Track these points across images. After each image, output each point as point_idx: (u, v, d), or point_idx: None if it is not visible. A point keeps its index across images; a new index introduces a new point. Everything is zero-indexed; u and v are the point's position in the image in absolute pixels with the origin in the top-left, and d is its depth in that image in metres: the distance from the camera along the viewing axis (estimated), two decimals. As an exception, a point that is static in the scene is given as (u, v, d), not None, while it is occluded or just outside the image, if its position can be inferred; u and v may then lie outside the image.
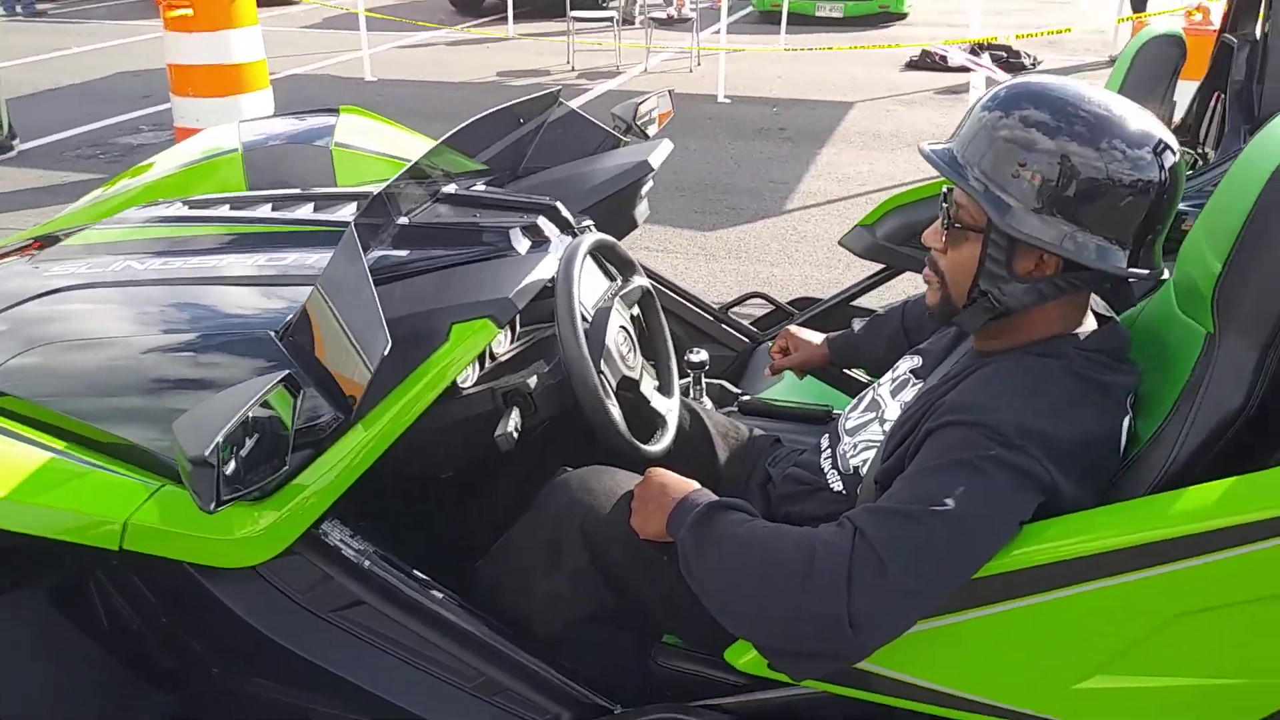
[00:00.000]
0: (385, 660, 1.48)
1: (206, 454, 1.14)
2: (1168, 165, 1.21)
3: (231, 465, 1.22)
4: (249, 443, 1.27)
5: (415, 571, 1.51)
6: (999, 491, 1.13)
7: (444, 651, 1.48)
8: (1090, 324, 1.33)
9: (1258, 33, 2.74)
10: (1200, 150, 2.88)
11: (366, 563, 1.46)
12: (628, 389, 1.58)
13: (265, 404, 1.27)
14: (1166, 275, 1.43)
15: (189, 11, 5.33)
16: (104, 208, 2.44)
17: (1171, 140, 1.22)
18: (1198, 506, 1.11)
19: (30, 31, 10.55)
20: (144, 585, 1.54)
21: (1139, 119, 1.21)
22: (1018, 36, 8.62)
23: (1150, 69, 2.31)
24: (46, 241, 2.12)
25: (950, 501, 1.12)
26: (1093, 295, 1.36)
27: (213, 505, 1.17)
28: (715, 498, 1.31)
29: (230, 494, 1.20)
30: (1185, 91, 2.72)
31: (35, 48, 9.91)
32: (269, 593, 1.45)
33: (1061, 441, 1.17)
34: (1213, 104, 2.94)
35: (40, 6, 8.75)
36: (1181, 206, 2.06)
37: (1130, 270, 1.22)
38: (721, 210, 5.33)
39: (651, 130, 2.55)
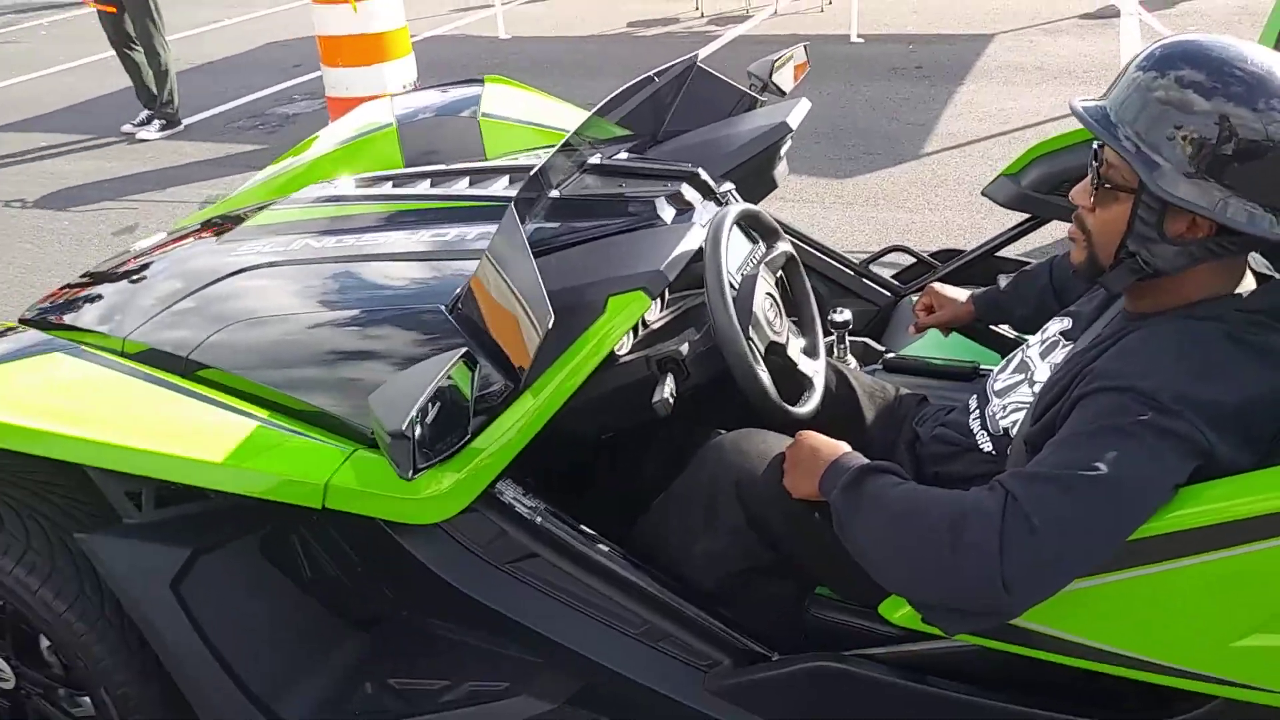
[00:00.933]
0: (557, 607, 1.60)
1: (404, 427, 1.26)
2: None
3: (419, 430, 1.34)
4: (432, 411, 1.39)
5: (583, 526, 1.62)
6: (1153, 457, 1.15)
7: (611, 600, 1.59)
8: (1250, 283, 1.31)
9: None
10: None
11: (538, 519, 1.58)
12: (776, 353, 1.64)
13: (448, 377, 1.39)
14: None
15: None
16: (275, 185, 2.62)
17: None
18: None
19: (185, 5, 11.10)
20: (341, 538, 1.71)
21: None
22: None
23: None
24: (227, 223, 2.31)
25: (1103, 466, 1.14)
26: (1252, 253, 1.34)
27: (410, 473, 1.30)
28: (865, 460, 1.36)
29: (424, 462, 1.33)
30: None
31: (190, 21, 10.44)
32: (452, 546, 1.59)
33: (1219, 406, 1.17)
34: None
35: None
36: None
37: (1255, 228, 1.19)
38: (858, 156, 5.26)
39: (787, 85, 2.56)
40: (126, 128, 6.62)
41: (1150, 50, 1.27)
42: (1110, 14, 7.88)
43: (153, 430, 1.56)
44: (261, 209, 2.33)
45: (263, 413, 1.62)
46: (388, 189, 2.24)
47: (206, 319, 1.83)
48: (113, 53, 6.56)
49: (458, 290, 1.69)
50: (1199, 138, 1.18)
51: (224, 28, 10.44)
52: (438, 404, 1.39)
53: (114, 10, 6.29)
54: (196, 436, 1.55)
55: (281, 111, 7.01)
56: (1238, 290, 1.29)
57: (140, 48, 6.40)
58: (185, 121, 6.72)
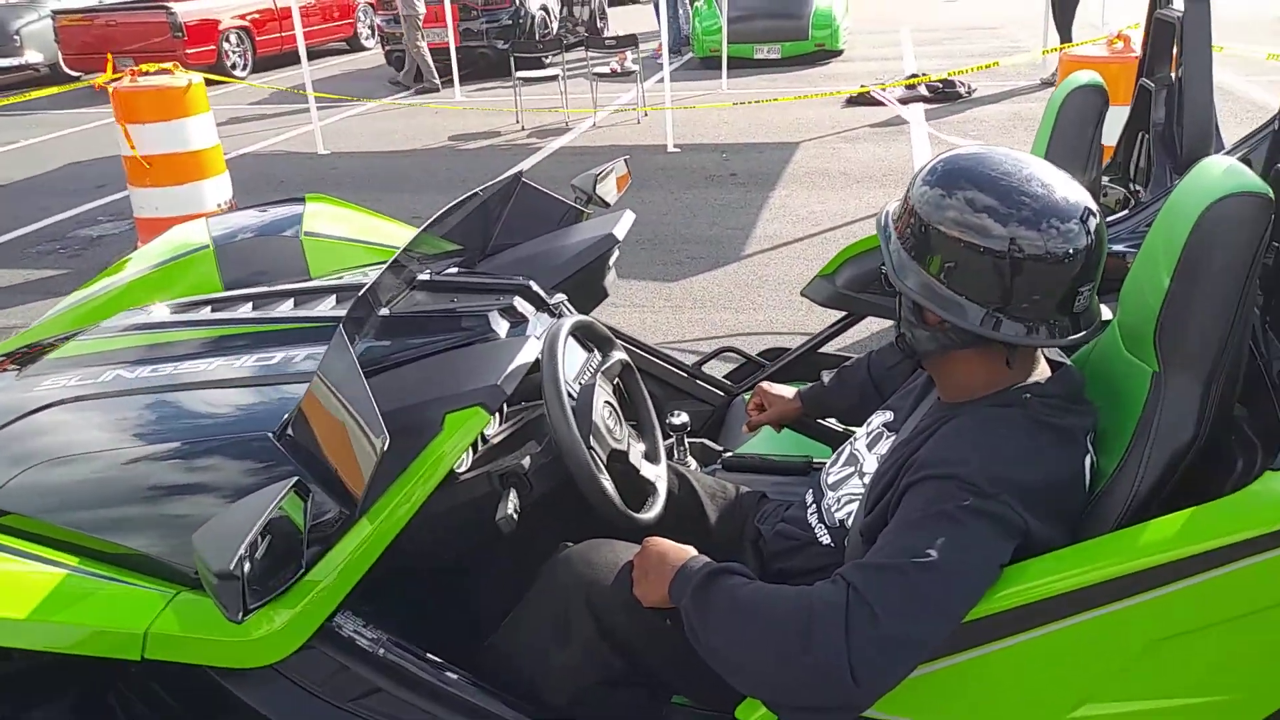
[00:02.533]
0: None
1: (231, 567, 1.19)
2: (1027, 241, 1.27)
3: (248, 566, 1.27)
4: (262, 545, 1.32)
5: (429, 654, 1.56)
6: (978, 539, 1.22)
7: None
8: (1045, 370, 1.42)
9: (1173, 76, 2.90)
10: (1132, 188, 3.03)
11: (381, 650, 1.51)
12: (617, 461, 1.65)
13: (279, 508, 1.32)
14: (1110, 316, 1.54)
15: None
16: (82, 312, 2.48)
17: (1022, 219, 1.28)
18: (1162, 538, 1.21)
19: (-25, 127, 10.53)
20: (164, 691, 1.58)
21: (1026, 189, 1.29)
22: (950, 74, 8.89)
23: (1075, 118, 2.45)
24: (31, 353, 2.16)
25: (933, 552, 1.20)
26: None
27: (240, 615, 1.23)
28: (712, 563, 1.38)
29: (255, 602, 1.26)
30: (1116, 116, 2.86)
31: (-18, 144, 9.89)
32: (289, 688, 1.49)
33: (1031, 486, 1.26)
34: (1139, 142, 3.10)
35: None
36: (1119, 248, 2.19)
37: (1039, 340, 1.32)
38: (683, 260, 5.45)
39: (611, 197, 2.64)
40: (-92, 256, 6.15)
41: (932, 165, 1.38)
42: (900, 122, 8.55)
43: (-60, 589, 1.41)
44: (67, 339, 2.20)
45: (72, 560, 1.51)
46: (206, 313, 2.16)
47: (5, 460, 1.69)
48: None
49: (286, 415, 1.63)
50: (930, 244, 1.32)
51: (19, 149, 9.92)
52: (268, 537, 1.32)
53: None
54: (-5, 592, 1.42)
55: (85, 234, 6.67)
56: (1035, 378, 1.40)
57: None
58: (-24, 247, 6.31)
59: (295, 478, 1.37)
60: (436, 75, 11.47)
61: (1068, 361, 1.48)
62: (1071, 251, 1.28)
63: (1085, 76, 2.45)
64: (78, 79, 11.39)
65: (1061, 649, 1.25)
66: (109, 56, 7.30)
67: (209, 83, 6.22)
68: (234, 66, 13.28)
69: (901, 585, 1.19)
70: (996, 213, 1.28)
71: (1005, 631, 1.24)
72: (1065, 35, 9.01)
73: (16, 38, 13.48)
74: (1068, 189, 1.31)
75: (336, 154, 8.76)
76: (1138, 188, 2.99)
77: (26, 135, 10.52)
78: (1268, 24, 12.28)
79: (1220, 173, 1.30)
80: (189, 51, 12.41)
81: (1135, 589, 1.21)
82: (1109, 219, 2.49)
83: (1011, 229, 1.27)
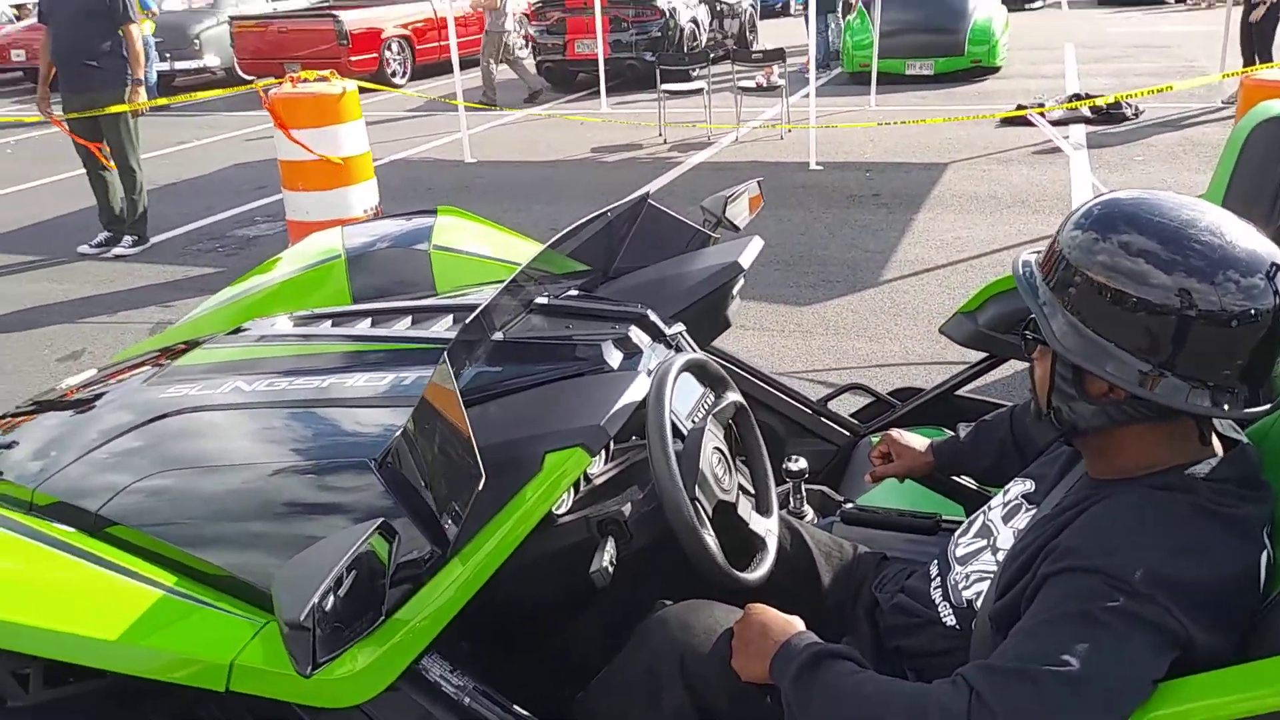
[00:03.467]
0: None
1: (302, 618, 1.15)
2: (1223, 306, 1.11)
3: (330, 601, 1.22)
4: (347, 581, 1.27)
5: (515, 706, 1.49)
6: (1126, 648, 1.06)
7: None
8: (1216, 449, 1.24)
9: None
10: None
11: (466, 699, 1.45)
12: (724, 513, 1.54)
13: (366, 546, 1.28)
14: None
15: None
16: (223, 316, 2.55)
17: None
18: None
19: (153, 125, 11.21)
20: (254, 718, 1.56)
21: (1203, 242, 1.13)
22: (1116, 98, 8.37)
23: (1263, 154, 2.19)
24: (168, 354, 2.22)
25: (1073, 661, 1.05)
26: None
27: (309, 670, 1.18)
28: (819, 643, 1.26)
29: (326, 655, 1.21)
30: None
31: (157, 141, 10.51)
32: None
33: (1193, 587, 1.09)
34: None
35: (161, 101, 9.35)
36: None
37: (1211, 409, 1.15)
38: (817, 283, 5.28)
39: (742, 220, 2.53)
40: (84, 249, 6.56)
41: (1089, 208, 1.23)
42: (1057, 148, 8.13)
43: (42, 601, 1.43)
44: (199, 345, 2.25)
45: (169, 579, 1.50)
46: (326, 328, 2.16)
47: (123, 469, 1.72)
48: (78, 172, 6.55)
49: (388, 444, 1.59)
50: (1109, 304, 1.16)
51: (192, 148, 10.52)
52: (353, 574, 1.27)
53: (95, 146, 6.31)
54: (90, 608, 1.42)
55: (242, 234, 6.99)
56: (1204, 458, 1.22)
57: (114, 168, 6.40)
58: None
59: (380, 520, 1.32)
60: (531, 85, 11.63)
61: (1243, 439, 1.29)
62: (1254, 311, 1.11)
63: (1278, 107, 2.20)
64: (251, 83, 12.02)
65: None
66: (282, 65, 7.65)
67: (366, 90, 6.42)
68: (394, 74, 13.77)
69: (1033, 697, 1.04)
70: (1158, 259, 1.12)
71: (1157, 759, 1.07)
72: (1263, 56, 8.37)
73: (196, 42, 14.35)
74: (1252, 240, 1.14)
75: (482, 162, 8.94)
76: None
77: (198, 136, 11.16)
78: None
79: None
80: (353, 59, 12.93)
81: (1320, 722, 1.02)
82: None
83: (1178, 279, 1.11)
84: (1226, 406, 1.16)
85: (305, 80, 5.98)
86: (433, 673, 1.45)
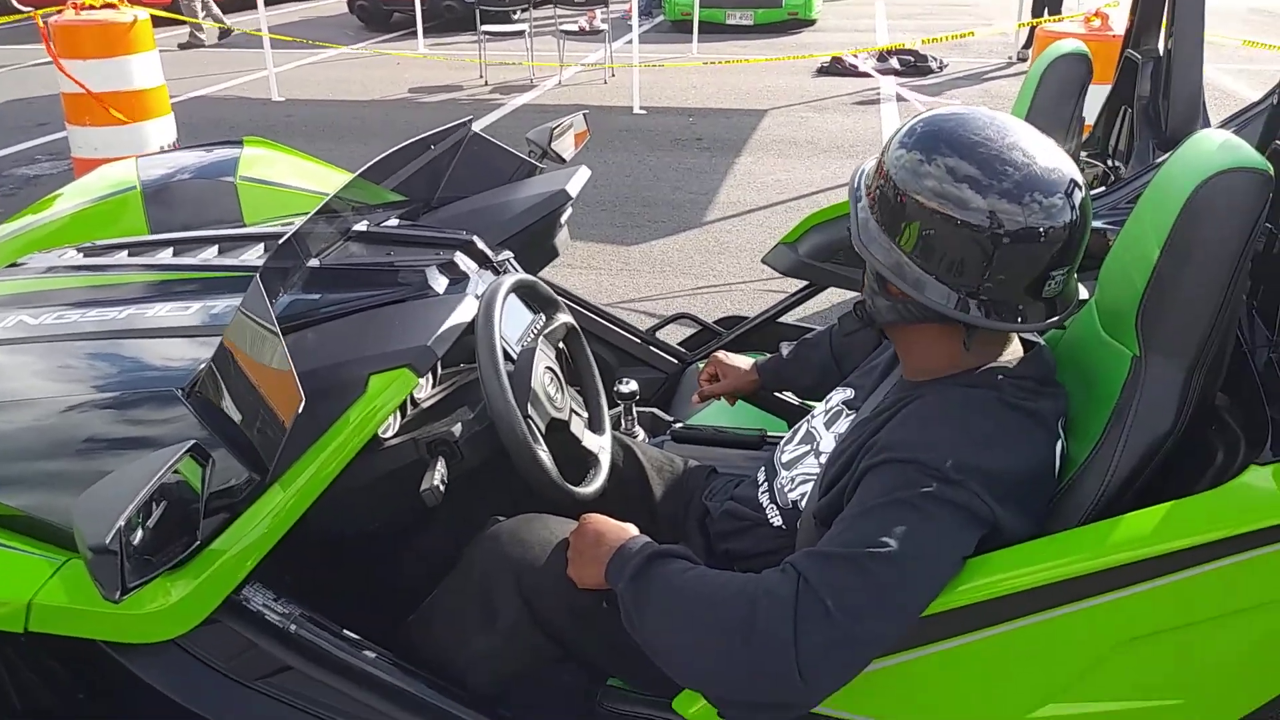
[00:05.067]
0: None
1: (107, 541, 1.07)
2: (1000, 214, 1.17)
3: (139, 534, 1.15)
4: (156, 511, 1.20)
5: (345, 631, 1.44)
6: (940, 529, 1.12)
7: (379, 713, 1.42)
8: (1017, 350, 1.33)
9: (1161, 49, 2.80)
10: (1111, 164, 2.94)
11: (292, 626, 1.40)
12: (557, 430, 1.54)
13: (173, 473, 1.20)
14: (1086, 295, 1.44)
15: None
16: (2, 252, 2.32)
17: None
18: (1136, 534, 1.12)
19: (-88, 59, 10.08)
20: (57, 664, 1.45)
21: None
22: (924, 41, 8.79)
23: (1057, 87, 2.34)
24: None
25: (892, 542, 1.10)
26: None
27: (117, 594, 1.10)
28: (653, 545, 1.27)
29: (136, 580, 1.13)
30: (1094, 95, 2.77)
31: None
32: (190, 664, 1.38)
33: (999, 474, 1.16)
34: (1120, 117, 3.01)
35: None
36: (1099, 224, 2.10)
37: (963, 317, 1.21)
38: (642, 223, 5.32)
39: (568, 153, 2.50)
40: None
41: (912, 126, 1.26)
42: (871, 95, 8.44)
43: None
44: (-26, 281, 2.04)
45: (-49, 521, 1.36)
46: (122, 258, 2.00)
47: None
48: None
49: (196, 371, 1.49)
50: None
51: (-42, 82, 9.51)
52: (162, 504, 1.19)
53: None
54: None
55: (21, 173, 6.39)
56: (1006, 358, 1.30)
57: None
58: (-94, 183, 6.02)
59: (191, 442, 1.24)
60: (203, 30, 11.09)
61: (1040, 342, 1.38)
62: (1051, 229, 1.17)
63: (1070, 45, 2.34)
64: (24, 12, 10.93)
65: (1025, 647, 1.16)
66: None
67: (163, 21, 5.95)
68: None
69: (856, 577, 1.09)
70: (977, 183, 1.17)
71: (966, 627, 1.15)
72: (1039, 10, 8.93)
73: (-40, -33, 12.91)
74: (1055, 158, 1.20)
75: (291, 101, 8.48)
76: (1117, 164, 2.90)
77: (-34, 69, 10.09)
78: (1243, 15, 12.29)
79: (1216, 146, 1.20)
80: (143, -11, 11.94)
81: (1105, 586, 1.12)
82: (1086, 194, 2.39)
83: (991, 201, 1.16)
84: (1024, 320, 1.22)
85: (91, 8, 5.48)
86: (254, 602, 1.38)
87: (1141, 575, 1.11)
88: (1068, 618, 1.14)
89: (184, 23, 10.56)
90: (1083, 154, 2.93)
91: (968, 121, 1.22)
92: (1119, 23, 4.40)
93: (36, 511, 1.39)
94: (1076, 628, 1.15)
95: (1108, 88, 3.12)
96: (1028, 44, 9.42)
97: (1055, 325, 1.26)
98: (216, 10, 11.30)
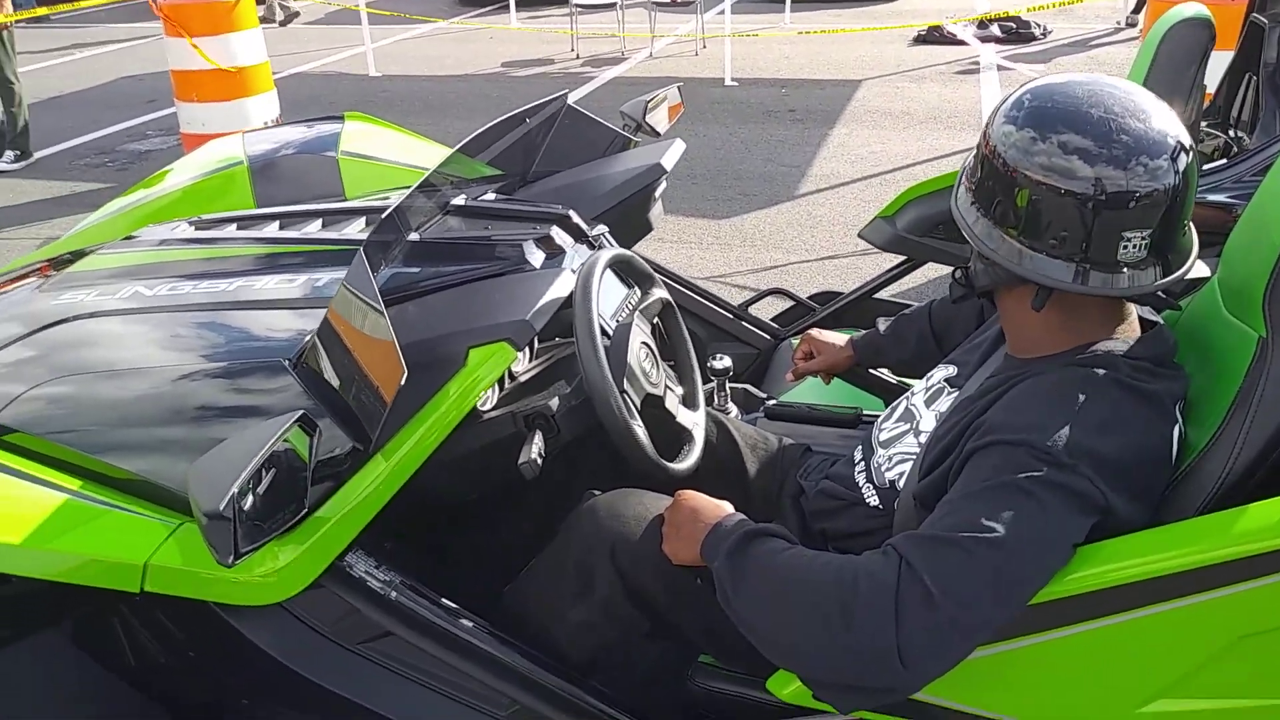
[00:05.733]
0: (416, 691, 1.45)
1: (221, 508, 1.10)
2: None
3: (250, 500, 1.19)
4: (266, 479, 1.23)
5: (443, 600, 1.47)
6: (1050, 515, 1.09)
7: (475, 680, 1.45)
8: (1135, 329, 1.27)
9: (1290, 13, 2.65)
10: (1233, 134, 2.79)
11: (393, 593, 1.43)
12: (653, 406, 1.54)
13: (282, 442, 1.23)
14: (1207, 273, 1.38)
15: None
16: (117, 225, 2.42)
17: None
18: (1260, 525, 1.06)
19: (32, 37, 10.53)
20: (169, 622, 1.52)
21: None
22: (1028, 10, 8.47)
23: (1177, 54, 2.22)
24: (58, 264, 2.09)
25: (999, 527, 1.07)
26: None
27: (230, 559, 1.14)
28: (749, 523, 1.26)
29: (249, 546, 1.17)
30: (1214, 64, 2.63)
31: (38, 55, 9.89)
32: (296, 628, 1.42)
33: (1113, 458, 1.12)
34: (1244, 85, 2.85)
35: (40, 11, 8.74)
36: (1222, 198, 2.00)
37: (1077, 287, 1.18)
38: (734, 197, 5.27)
39: (662, 126, 2.49)
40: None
41: (1019, 99, 1.22)
42: (969, 64, 8.19)
43: (-65, 509, 1.35)
44: (91, 253, 2.13)
45: (75, 483, 1.43)
46: (231, 231, 2.06)
47: (16, 377, 1.62)
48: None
49: (302, 343, 1.53)
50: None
51: (75, 61, 9.91)
52: (272, 471, 1.23)
53: None
54: (-11, 514, 1.35)
55: (133, 148, 6.65)
56: (1122, 337, 1.25)
57: None
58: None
59: (300, 412, 1.27)
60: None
61: (1160, 320, 1.32)
62: (1155, 190, 1.14)
63: (1191, 9, 2.22)
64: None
65: (1137, 639, 1.12)
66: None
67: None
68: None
69: (961, 563, 1.07)
70: (1088, 153, 1.14)
71: (1076, 617, 1.12)
72: None
73: (75, -51, 13.43)
74: (1164, 120, 1.17)
75: (388, 76, 8.63)
76: (1240, 135, 2.75)
77: (82, 49, 10.52)
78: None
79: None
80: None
81: (1225, 579, 1.07)
82: (1207, 167, 2.28)
83: (1099, 169, 1.13)
84: (1121, 285, 1.18)
85: (196, -15, 5.64)
86: (357, 569, 1.42)
87: (1264, 569, 1.06)
88: (1183, 611, 1.09)
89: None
90: (1203, 124, 2.79)
91: (1083, 93, 1.18)
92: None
93: (152, 476, 1.45)
94: (1193, 622, 1.10)
95: (1229, 54, 2.96)
96: (1138, 8, 9.01)
97: (1148, 290, 1.19)
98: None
